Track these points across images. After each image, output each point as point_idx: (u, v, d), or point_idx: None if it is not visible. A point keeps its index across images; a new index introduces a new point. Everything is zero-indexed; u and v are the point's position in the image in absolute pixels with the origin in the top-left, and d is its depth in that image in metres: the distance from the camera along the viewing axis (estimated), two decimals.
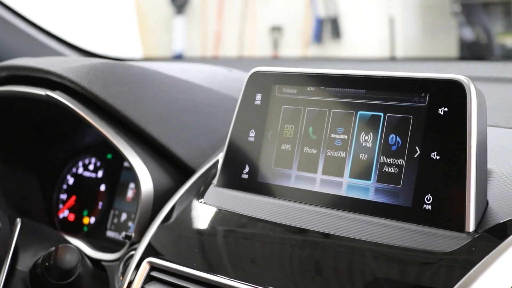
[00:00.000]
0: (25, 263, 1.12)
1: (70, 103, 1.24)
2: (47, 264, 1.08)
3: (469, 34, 5.30)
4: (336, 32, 5.82)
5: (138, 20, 6.16)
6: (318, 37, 5.89)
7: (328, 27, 5.86)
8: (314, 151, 0.96)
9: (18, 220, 1.12)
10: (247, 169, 1.02)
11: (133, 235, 1.17)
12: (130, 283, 1.03)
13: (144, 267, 1.02)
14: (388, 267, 0.84)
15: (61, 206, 1.52)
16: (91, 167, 1.49)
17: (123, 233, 1.18)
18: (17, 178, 1.52)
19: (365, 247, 0.86)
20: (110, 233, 1.40)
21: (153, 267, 1.02)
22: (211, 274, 0.94)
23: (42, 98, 1.28)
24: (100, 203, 1.45)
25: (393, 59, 4.66)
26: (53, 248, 1.09)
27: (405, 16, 5.64)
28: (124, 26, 5.73)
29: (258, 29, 6.21)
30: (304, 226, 0.92)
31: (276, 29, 6.14)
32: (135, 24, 6.09)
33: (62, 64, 1.26)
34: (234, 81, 1.43)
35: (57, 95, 1.26)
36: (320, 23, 5.88)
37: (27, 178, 1.53)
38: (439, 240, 0.82)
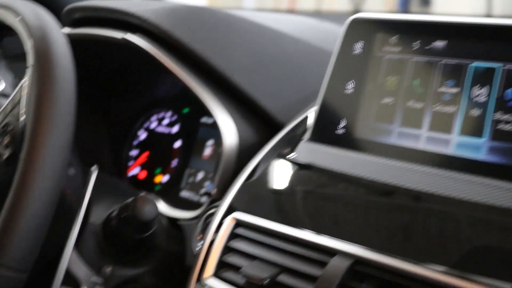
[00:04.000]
0: (98, 215, 1.05)
1: (150, 47, 1.18)
2: (123, 215, 1.01)
3: None
4: None
5: None
6: (404, 4, 5.64)
7: None
8: (420, 105, 0.88)
9: (94, 167, 1.06)
10: (343, 123, 0.94)
11: (214, 191, 1.10)
12: (212, 242, 0.97)
13: (228, 224, 0.96)
14: (505, 234, 0.75)
15: (131, 162, 1.46)
16: (165, 121, 1.42)
17: (203, 190, 1.11)
18: (86, 131, 1.46)
19: (477, 209, 0.78)
20: (184, 193, 1.32)
21: (238, 224, 0.95)
22: (303, 230, 0.87)
23: (118, 42, 1.21)
24: (175, 161, 1.38)
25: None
26: (131, 199, 1.02)
27: None
28: None
29: None
30: (406, 186, 0.84)
31: None
32: None
33: (142, 6, 1.19)
34: (326, 33, 1.35)
35: (135, 39, 1.19)
36: None
37: (97, 132, 1.47)
38: None
